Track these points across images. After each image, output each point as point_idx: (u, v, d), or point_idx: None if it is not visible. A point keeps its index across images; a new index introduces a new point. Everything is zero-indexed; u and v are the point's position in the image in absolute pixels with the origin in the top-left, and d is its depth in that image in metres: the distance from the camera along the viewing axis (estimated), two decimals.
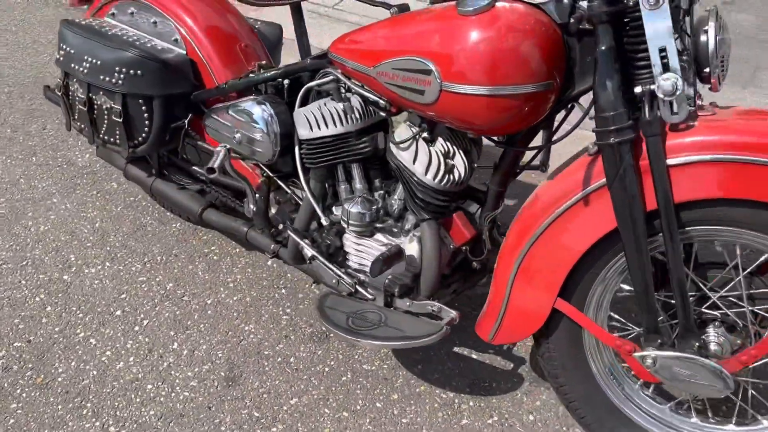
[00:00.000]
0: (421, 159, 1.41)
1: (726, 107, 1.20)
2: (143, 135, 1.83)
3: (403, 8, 1.47)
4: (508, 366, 1.72)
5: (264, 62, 1.81)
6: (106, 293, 1.99)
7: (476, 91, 1.22)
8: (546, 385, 1.66)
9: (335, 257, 1.66)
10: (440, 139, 1.45)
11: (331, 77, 1.56)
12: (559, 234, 1.28)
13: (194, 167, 1.98)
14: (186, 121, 1.85)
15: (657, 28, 1.09)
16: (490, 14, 1.20)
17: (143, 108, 1.79)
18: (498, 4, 1.21)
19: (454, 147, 1.45)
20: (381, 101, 1.46)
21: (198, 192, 2.01)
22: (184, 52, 1.83)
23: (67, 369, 1.74)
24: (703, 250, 1.32)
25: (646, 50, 1.13)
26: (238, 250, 2.16)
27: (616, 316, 1.40)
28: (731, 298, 1.27)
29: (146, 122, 1.81)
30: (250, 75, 1.74)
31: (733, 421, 1.35)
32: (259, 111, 1.65)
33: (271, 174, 1.74)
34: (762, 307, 1.24)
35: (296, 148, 1.64)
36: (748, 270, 1.23)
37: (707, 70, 1.12)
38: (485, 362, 1.73)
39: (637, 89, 1.14)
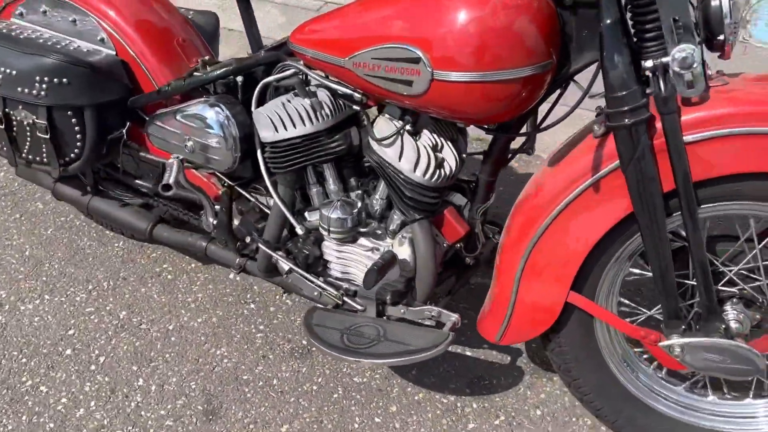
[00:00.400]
0: (408, 155, 1.28)
1: (734, 74, 1.14)
2: (75, 151, 1.61)
3: None
4: (505, 360, 1.64)
5: (207, 58, 1.62)
6: (51, 331, 1.77)
7: (471, 77, 1.11)
8: (548, 375, 1.59)
9: (314, 267, 1.51)
10: (425, 131, 1.33)
11: (293, 70, 1.40)
12: (569, 224, 1.19)
13: (136, 180, 1.77)
14: (124, 131, 1.64)
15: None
16: None
17: (73, 120, 1.56)
18: None
19: (441, 138, 1.33)
20: (356, 94, 1.32)
21: (143, 207, 1.81)
22: (114, 53, 1.61)
23: (19, 425, 1.52)
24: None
25: (655, 20, 1.04)
26: (194, 265, 1.97)
27: (626, 301, 1.34)
28: (743, 272, 1.23)
29: (78, 136, 1.59)
30: (195, 74, 1.55)
31: (751, 394, 1.32)
32: (212, 114, 1.47)
33: (231, 183, 1.57)
34: None
35: (258, 152, 1.48)
36: (765, 241, 1.19)
37: (721, 37, 1.05)
38: (481, 359, 1.65)
39: (648, 63, 1.05)
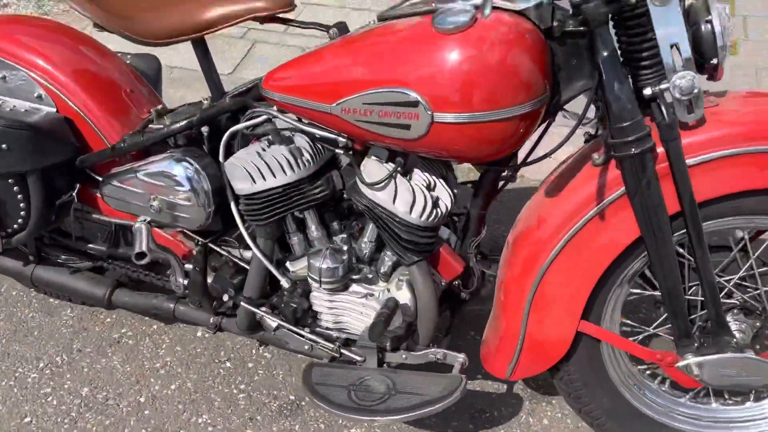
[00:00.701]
0: (403, 197, 1.23)
1: (721, 94, 1.16)
2: (19, 221, 1.46)
3: (343, 28, 1.27)
4: (502, 388, 1.62)
5: (160, 107, 1.50)
6: (3, 422, 1.58)
7: (472, 118, 1.08)
8: (546, 399, 1.58)
9: (303, 320, 1.43)
10: (416, 171, 1.28)
11: (264, 117, 1.32)
12: (576, 255, 1.18)
13: (89, 244, 1.62)
14: (74, 194, 1.49)
15: (668, 24, 1.02)
16: (476, 30, 1.05)
17: (15, 188, 1.41)
18: (480, 16, 1.06)
19: (433, 177, 1.29)
20: (341, 139, 1.26)
21: (95, 270, 1.66)
22: (55, 110, 1.46)
23: None
24: None
25: (651, 48, 1.05)
26: (155, 326, 1.82)
27: (628, 322, 1.34)
28: (737, 281, 1.26)
29: (21, 205, 1.43)
30: (150, 125, 1.43)
31: (752, 398, 1.36)
32: (180, 170, 1.36)
33: (202, 240, 1.46)
34: None
35: (233, 205, 1.39)
36: (759, 251, 1.22)
37: (714, 61, 1.07)
38: (479, 391, 1.61)
39: (647, 91, 1.06)
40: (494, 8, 1.07)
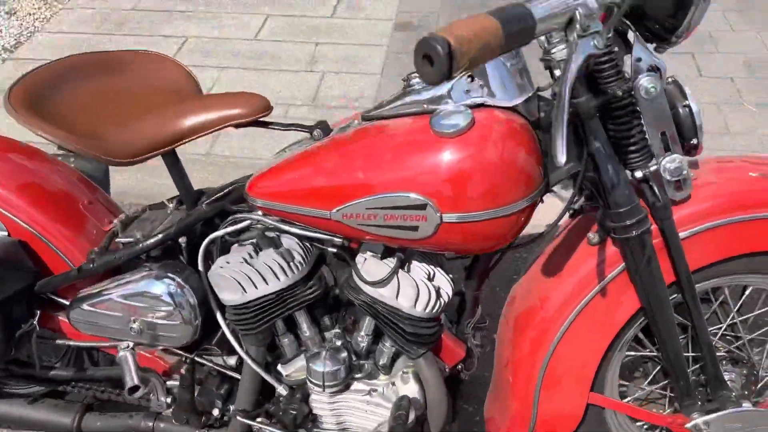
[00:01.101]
0: (406, 292, 1.22)
1: (695, 164, 1.24)
2: None
3: (325, 128, 1.25)
4: None
5: (123, 216, 1.40)
6: None
7: (481, 217, 1.09)
8: None
9: (303, 425, 1.37)
10: (415, 262, 1.27)
11: (247, 222, 1.27)
12: (582, 331, 1.21)
13: (54, 371, 1.47)
14: (35, 322, 1.36)
15: (656, 113, 1.08)
16: (475, 132, 1.07)
17: None
18: (477, 117, 1.08)
19: (431, 266, 1.29)
20: (336, 239, 1.23)
21: (55, 395, 1.52)
22: (6, 233, 1.33)
23: None
24: None
25: (638, 134, 1.11)
26: None
27: (623, 382, 1.39)
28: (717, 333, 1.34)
29: None
30: (117, 240, 1.34)
31: None
32: (162, 288, 1.28)
33: (187, 354, 1.37)
34: (759, 333, 1.33)
35: (219, 316, 1.32)
36: (739, 304, 1.31)
37: (694, 141, 1.14)
38: None
39: (638, 174, 1.12)
40: (486, 106, 1.11)
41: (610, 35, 0.96)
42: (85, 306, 1.32)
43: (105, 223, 1.41)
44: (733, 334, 1.35)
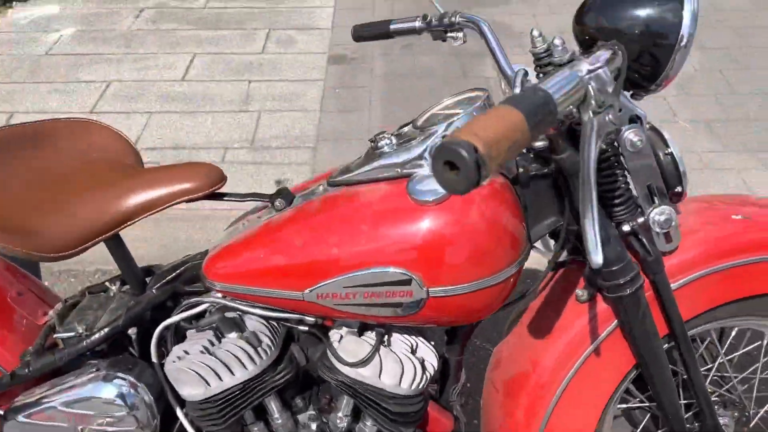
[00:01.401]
0: (390, 370, 1.12)
1: (676, 208, 1.20)
2: None
3: (287, 195, 1.14)
4: None
5: (59, 306, 1.24)
6: None
7: (471, 287, 1.00)
8: None
9: None
10: (396, 335, 1.17)
11: (205, 306, 1.14)
12: (578, 393, 1.14)
13: None
14: None
15: (642, 166, 1.03)
16: (458, 197, 0.99)
17: None
18: None
19: (412, 338, 1.19)
20: (308, 319, 1.12)
21: None
22: None
23: None
24: None
25: (624, 187, 1.06)
26: None
27: None
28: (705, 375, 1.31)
29: None
30: (55, 335, 1.18)
31: None
32: (113, 390, 1.12)
33: None
34: (748, 372, 1.30)
35: (179, 412, 1.18)
36: (726, 345, 1.27)
37: (678, 189, 1.09)
38: None
39: (625, 228, 1.06)
40: None
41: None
42: (21, 418, 1.15)
43: (39, 315, 1.24)
44: (719, 374, 1.32)
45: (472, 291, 1.00)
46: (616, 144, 1.03)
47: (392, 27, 1.41)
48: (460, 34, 1.33)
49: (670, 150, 1.07)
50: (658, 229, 1.05)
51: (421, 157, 1.03)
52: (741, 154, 2.67)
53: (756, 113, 2.93)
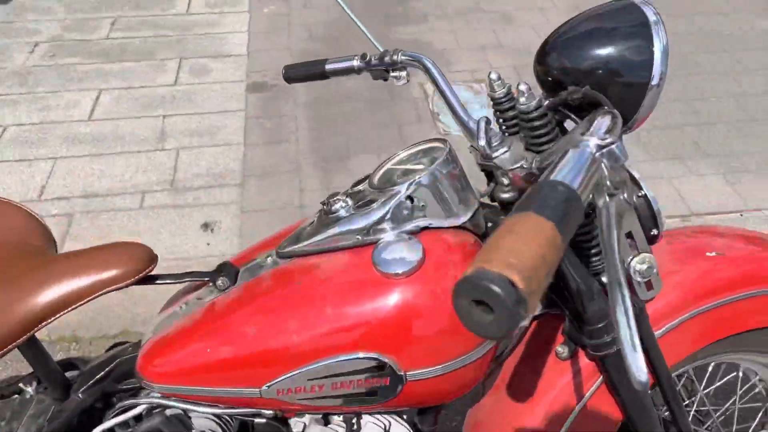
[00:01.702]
0: None
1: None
2: None
3: (231, 271, 0.99)
4: None
5: None
6: None
7: (453, 366, 0.90)
8: None
9: None
10: (366, 419, 1.05)
11: (143, 407, 0.99)
12: None
13: None
14: None
15: (620, 214, 0.95)
16: (429, 265, 0.88)
17: None
18: (427, 246, 0.89)
19: (384, 417, 1.07)
20: (266, 411, 0.98)
21: None
22: None
23: None
24: None
25: (596, 237, 0.99)
26: None
27: None
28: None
29: None
30: None
31: None
32: None
33: None
34: (727, 406, 1.26)
35: None
36: (704, 382, 1.23)
37: (655, 231, 1.03)
38: None
39: (604, 279, 0.99)
40: (434, 229, 0.93)
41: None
42: None
43: None
44: (697, 409, 1.27)
45: (456, 369, 0.90)
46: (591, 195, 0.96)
47: (328, 67, 1.30)
48: (403, 73, 1.23)
49: (643, 192, 1.01)
50: (639, 279, 0.98)
51: (383, 220, 0.91)
52: (670, 162, 2.72)
53: (678, 120, 3.00)
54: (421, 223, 0.92)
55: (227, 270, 1.00)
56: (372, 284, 0.87)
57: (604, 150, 0.65)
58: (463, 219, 0.94)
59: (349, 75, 1.31)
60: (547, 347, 1.07)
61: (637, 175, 1.02)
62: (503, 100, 0.97)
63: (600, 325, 0.96)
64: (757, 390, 1.31)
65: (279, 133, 2.94)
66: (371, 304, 0.87)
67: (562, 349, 1.04)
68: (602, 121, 0.69)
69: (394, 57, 1.21)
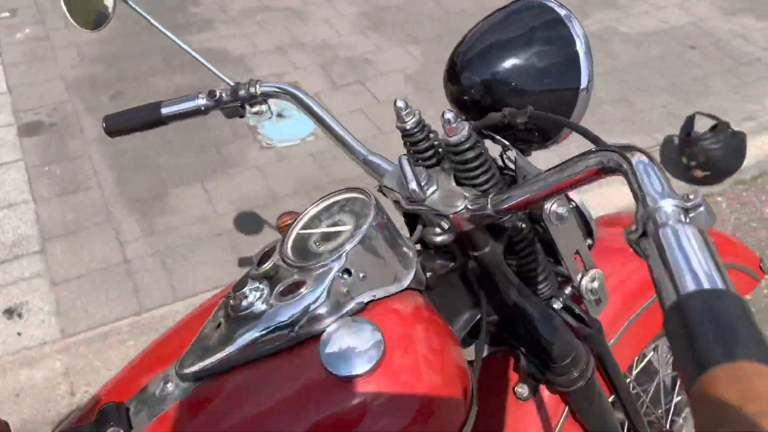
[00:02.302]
0: None
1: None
2: None
3: (117, 413, 0.72)
4: None
5: None
6: None
7: None
8: None
9: None
10: None
11: None
12: None
13: None
14: None
15: (567, 235, 0.86)
16: (393, 350, 0.71)
17: None
18: (383, 326, 0.72)
19: None
20: None
21: None
22: None
23: None
24: None
25: (543, 261, 0.89)
26: None
27: None
28: None
29: None
30: None
31: None
32: None
33: None
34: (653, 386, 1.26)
35: None
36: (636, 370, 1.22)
37: (589, 242, 0.96)
38: None
39: (556, 305, 0.90)
40: (378, 300, 0.76)
41: None
42: None
43: None
44: None
45: None
46: (530, 219, 0.86)
47: (165, 111, 1.06)
48: (264, 107, 1.04)
49: (573, 202, 0.93)
50: (590, 296, 0.91)
51: (318, 306, 0.72)
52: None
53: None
54: (365, 298, 0.75)
55: (113, 415, 0.73)
56: (329, 393, 0.68)
57: (697, 211, 0.50)
58: (408, 279, 0.79)
59: (195, 117, 1.08)
60: (503, 389, 0.96)
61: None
62: (415, 130, 0.83)
63: (567, 361, 0.87)
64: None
65: (74, 179, 2.50)
66: (335, 418, 0.68)
67: (521, 389, 0.94)
68: (645, 176, 0.54)
69: (252, 90, 1.01)
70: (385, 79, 3.18)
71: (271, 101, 1.04)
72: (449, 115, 0.76)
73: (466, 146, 0.77)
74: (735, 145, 2.55)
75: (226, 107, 1.03)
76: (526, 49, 0.81)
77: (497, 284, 0.85)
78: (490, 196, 0.73)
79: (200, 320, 0.82)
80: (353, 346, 0.70)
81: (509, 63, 0.81)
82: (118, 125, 1.08)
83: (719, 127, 2.56)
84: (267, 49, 3.36)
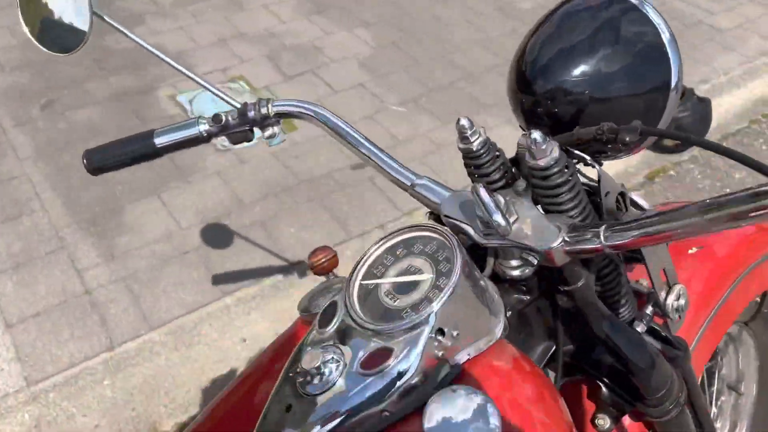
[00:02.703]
0: None
1: None
2: None
3: None
4: None
5: None
6: None
7: None
8: None
9: None
10: None
11: None
12: None
13: None
14: None
15: (657, 252, 0.78)
16: (507, 413, 0.61)
17: None
18: (488, 388, 0.62)
19: None
20: None
21: None
22: None
23: None
24: None
25: (624, 282, 0.81)
26: None
27: None
28: None
29: None
30: None
31: None
32: None
33: None
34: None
35: None
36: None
37: None
38: None
39: (640, 328, 0.82)
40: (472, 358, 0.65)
41: None
42: None
43: None
44: None
45: None
46: None
47: (159, 141, 0.92)
48: (276, 128, 0.91)
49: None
50: (677, 316, 0.83)
51: (410, 374, 0.61)
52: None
53: (445, 78, 3.00)
54: (461, 359, 0.64)
55: None
56: None
57: None
58: (500, 328, 0.68)
59: (196, 146, 0.94)
60: (580, 421, 0.87)
61: (637, 198, 0.86)
62: (482, 151, 0.72)
63: (660, 393, 0.79)
64: None
65: (13, 204, 2.25)
66: None
67: (602, 421, 0.85)
68: None
69: (263, 110, 0.88)
70: (337, 67, 3.03)
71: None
72: (536, 135, 0.65)
73: (556, 170, 0.67)
74: (701, 111, 2.55)
75: (232, 133, 0.89)
76: (603, 48, 0.71)
77: (584, 316, 0.75)
78: (602, 228, 0.63)
79: (252, 392, 0.70)
80: (464, 422, 0.59)
81: (586, 66, 0.71)
82: (103, 161, 0.92)
83: (686, 94, 2.55)
84: (207, 42, 3.14)
